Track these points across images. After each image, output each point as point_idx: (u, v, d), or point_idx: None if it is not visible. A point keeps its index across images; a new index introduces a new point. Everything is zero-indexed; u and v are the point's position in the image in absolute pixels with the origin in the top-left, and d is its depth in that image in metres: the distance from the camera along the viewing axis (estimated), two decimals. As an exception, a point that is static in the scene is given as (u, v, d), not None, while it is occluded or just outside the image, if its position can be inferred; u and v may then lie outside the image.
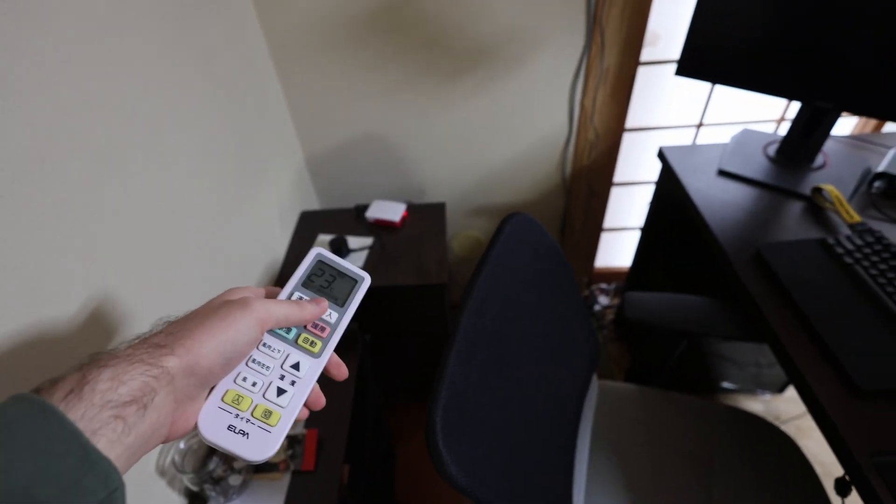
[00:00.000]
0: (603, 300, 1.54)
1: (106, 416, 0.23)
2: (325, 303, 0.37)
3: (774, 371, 1.25)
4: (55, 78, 0.50)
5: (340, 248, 1.06)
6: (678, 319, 0.77)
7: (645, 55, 1.10)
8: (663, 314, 0.77)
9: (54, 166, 0.49)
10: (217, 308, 0.31)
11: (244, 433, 0.31)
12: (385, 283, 1.01)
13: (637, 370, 1.25)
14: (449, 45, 1.04)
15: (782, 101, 1.21)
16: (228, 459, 0.67)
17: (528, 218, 0.64)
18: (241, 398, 0.31)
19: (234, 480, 0.68)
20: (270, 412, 0.32)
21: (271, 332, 0.35)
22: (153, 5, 0.66)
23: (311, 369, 0.35)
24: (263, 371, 0.33)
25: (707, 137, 1.28)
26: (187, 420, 0.29)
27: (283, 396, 0.33)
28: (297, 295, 0.37)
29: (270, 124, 1.05)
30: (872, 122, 1.24)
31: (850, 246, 0.71)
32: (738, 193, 0.88)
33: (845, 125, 1.29)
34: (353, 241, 1.10)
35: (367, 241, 1.11)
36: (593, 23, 1.01)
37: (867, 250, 0.70)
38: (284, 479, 0.71)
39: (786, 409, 1.30)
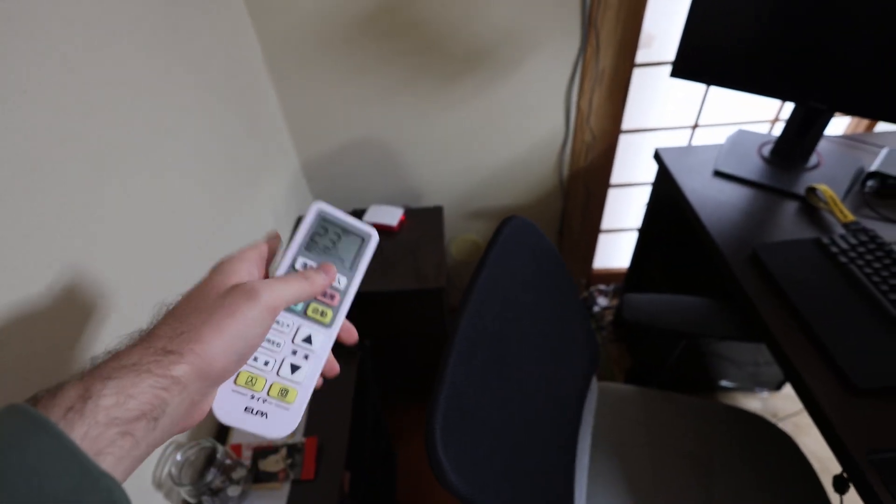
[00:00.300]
0: (602, 301, 1.55)
1: (112, 434, 0.22)
2: (334, 269, 0.34)
3: (772, 369, 1.25)
4: (52, 81, 0.50)
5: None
6: (676, 320, 0.77)
7: (640, 57, 1.10)
8: (661, 315, 0.77)
9: (53, 167, 0.50)
10: (223, 299, 0.28)
11: (262, 413, 0.30)
12: (383, 287, 1.01)
13: (637, 371, 1.25)
14: (444, 48, 1.04)
15: (776, 102, 1.22)
16: (226, 470, 0.67)
17: (525, 221, 0.64)
18: (255, 379, 0.30)
19: (233, 491, 0.67)
20: (287, 390, 0.31)
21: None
22: (146, 11, 0.66)
23: (324, 341, 0.33)
24: (275, 349, 0.32)
25: (702, 138, 1.29)
26: (202, 409, 0.28)
27: (297, 373, 0.32)
28: (301, 261, 0.34)
29: (265, 129, 1.05)
30: (865, 122, 1.25)
31: (844, 245, 0.71)
32: (733, 194, 0.88)
33: (838, 125, 1.30)
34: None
35: (365, 245, 1.11)
36: (588, 25, 1.01)
37: (861, 249, 0.70)
38: (284, 489, 0.70)
39: (783, 406, 1.31)
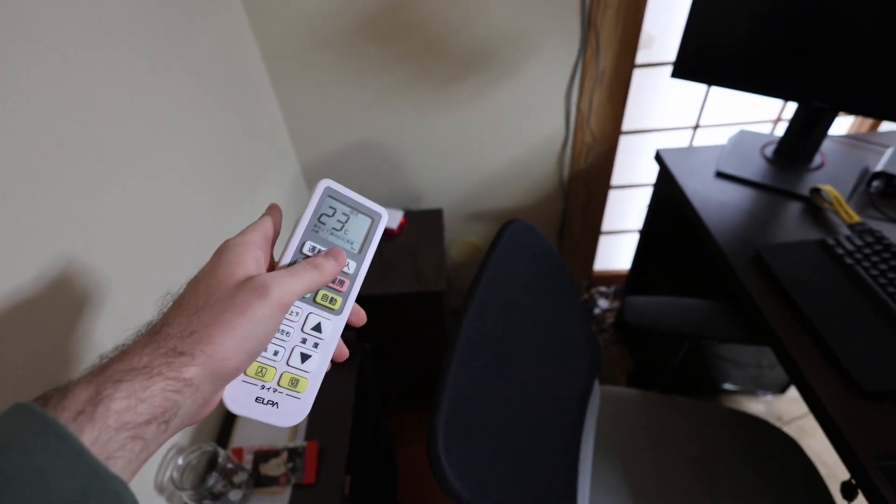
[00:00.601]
0: (603, 303, 1.54)
1: (122, 439, 0.22)
2: (344, 254, 0.33)
3: (775, 372, 1.24)
4: (52, 83, 0.50)
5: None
6: (679, 323, 0.76)
7: (640, 57, 1.10)
8: (664, 318, 0.77)
9: (53, 168, 0.50)
10: (233, 297, 0.27)
11: (273, 403, 0.30)
12: (384, 290, 1.00)
13: (639, 373, 1.24)
14: (443, 50, 1.04)
15: (778, 102, 1.21)
16: (228, 474, 0.66)
17: (526, 224, 0.64)
18: (264, 369, 0.30)
19: (235, 496, 0.67)
20: (297, 379, 0.31)
21: None
22: (144, 13, 0.66)
23: (334, 328, 0.33)
24: (284, 339, 0.31)
25: (704, 139, 1.28)
26: (212, 404, 0.28)
27: (307, 362, 0.32)
28: (308, 245, 0.33)
29: (265, 131, 1.05)
30: (869, 122, 1.24)
31: (849, 246, 0.70)
32: (735, 195, 0.88)
33: (841, 125, 1.29)
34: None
35: (365, 248, 1.10)
36: (588, 25, 1.01)
37: (867, 250, 0.69)
38: (285, 493, 0.70)
39: (788, 409, 1.29)
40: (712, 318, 0.78)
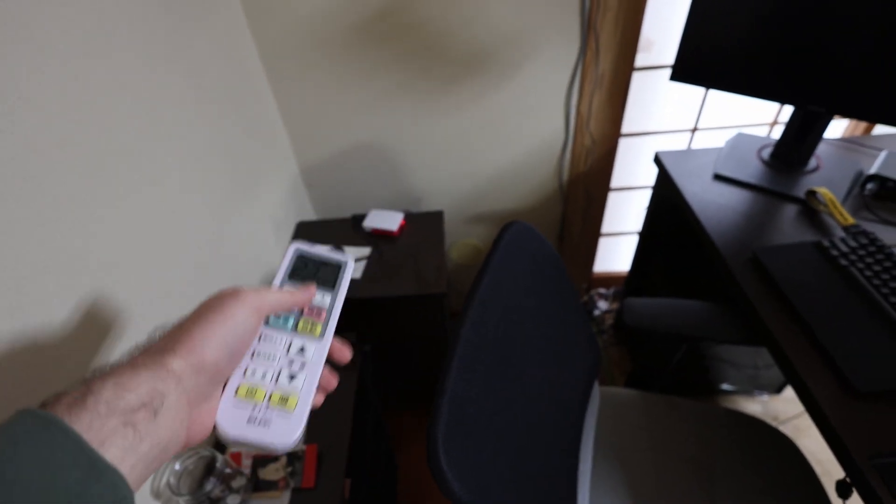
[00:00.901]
0: (602, 305, 1.54)
1: (114, 425, 0.23)
2: (314, 286, 0.38)
3: (772, 372, 1.25)
4: (51, 86, 0.51)
5: (338, 258, 1.05)
6: (677, 324, 0.77)
7: (639, 60, 1.10)
8: (662, 319, 0.77)
9: (53, 169, 0.50)
10: (211, 304, 0.31)
11: (266, 423, 0.31)
12: (384, 292, 1.01)
13: (638, 374, 1.25)
14: (443, 52, 1.04)
15: (775, 105, 1.22)
16: (225, 479, 0.66)
17: (526, 226, 0.64)
18: (254, 390, 0.32)
19: (233, 501, 0.67)
20: (287, 397, 0.32)
21: (269, 324, 0.35)
22: (143, 15, 0.67)
23: (317, 351, 0.35)
24: (270, 361, 0.33)
25: (702, 142, 1.29)
26: (203, 422, 0.29)
27: (295, 381, 0.33)
28: (285, 287, 0.38)
29: (263, 134, 1.05)
30: (863, 125, 1.25)
31: (844, 248, 0.71)
32: (733, 197, 0.89)
33: (836, 128, 1.30)
34: (351, 252, 1.10)
35: (365, 250, 1.11)
36: (588, 28, 1.01)
37: (861, 252, 0.70)
38: (284, 498, 0.70)
39: (784, 409, 1.30)
40: (710, 319, 0.79)
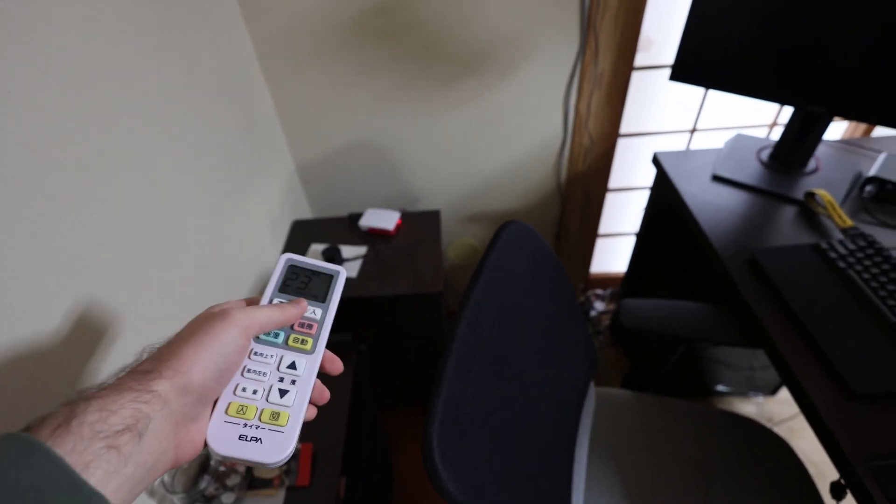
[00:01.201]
0: (599, 306, 1.54)
1: (98, 448, 0.23)
2: (304, 301, 0.37)
3: (767, 374, 1.25)
4: (44, 84, 0.50)
5: (333, 258, 1.05)
6: (674, 326, 0.77)
7: (639, 60, 1.10)
8: (659, 321, 0.77)
9: (50, 169, 0.49)
10: (199, 324, 0.30)
11: (257, 439, 0.30)
12: (380, 291, 1.00)
13: (633, 375, 1.25)
14: (441, 51, 1.04)
15: (775, 106, 1.22)
16: (220, 477, 0.66)
17: (523, 226, 0.64)
18: (245, 408, 0.31)
19: (227, 499, 0.67)
20: (278, 413, 0.32)
21: (260, 339, 0.34)
22: (137, 13, 0.66)
23: (308, 366, 0.35)
24: (261, 378, 0.33)
25: (701, 143, 1.29)
26: (193, 441, 0.29)
27: (286, 397, 0.33)
28: (276, 300, 0.37)
29: (259, 132, 1.05)
30: (862, 127, 1.25)
31: (842, 250, 0.71)
32: (732, 198, 0.88)
33: (836, 130, 1.30)
34: (347, 251, 1.10)
35: (362, 249, 1.10)
36: (587, 27, 1.01)
37: (860, 254, 0.70)
38: (279, 496, 0.70)
39: (778, 410, 1.31)
40: (707, 320, 0.79)
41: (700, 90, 1.18)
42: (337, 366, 0.37)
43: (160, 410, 0.26)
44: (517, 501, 0.51)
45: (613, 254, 1.57)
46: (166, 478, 0.64)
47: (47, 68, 0.50)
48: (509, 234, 0.61)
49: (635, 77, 1.14)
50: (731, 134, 1.03)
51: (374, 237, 1.14)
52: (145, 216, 0.64)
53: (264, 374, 0.33)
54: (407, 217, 1.18)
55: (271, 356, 0.34)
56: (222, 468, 0.67)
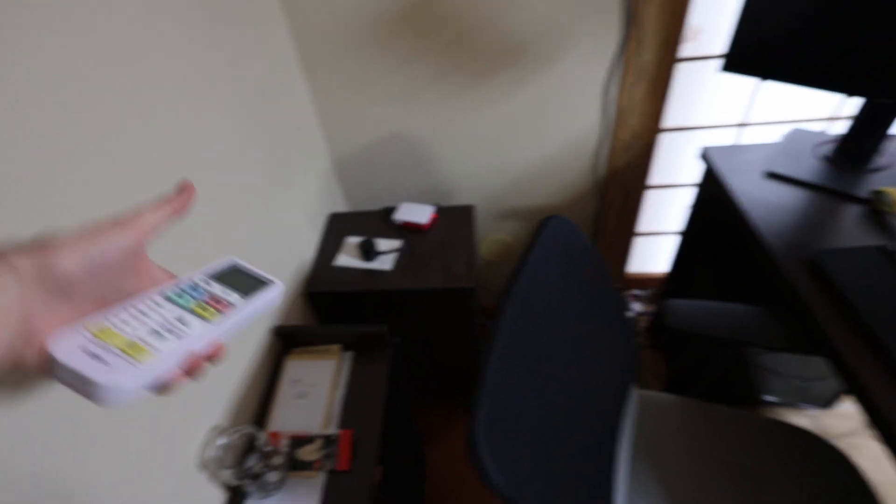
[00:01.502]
0: (636, 307, 1.50)
1: None
2: (192, 185, 0.35)
3: (823, 385, 1.18)
4: (104, 77, 0.52)
5: (369, 251, 1.06)
6: (726, 329, 0.73)
7: (684, 51, 1.06)
8: (708, 323, 0.73)
9: (113, 159, 0.52)
10: (94, 224, 0.29)
11: (103, 361, 0.27)
12: (414, 286, 1.01)
13: (676, 380, 1.20)
14: (478, 44, 1.03)
15: (834, 99, 1.14)
16: (266, 457, 0.68)
17: (566, 220, 0.62)
18: (110, 333, 0.29)
19: (272, 477, 0.68)
20: (141, 349, 0.29)
21: (166, 296, 0.33)
22: (185, 9, 0.68)
23: (199, 332, 0.32)
24: (143, 318, 0.31)
25: (750, 138, 1.23)
26: (40, 340, 0.26)
27: (160, 341, 0.30)
28: (200, 277, 0.37)
29: (298, 126, 1.07)
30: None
31: (915, 253, 0.66)
32: (787, 196, 0.83)
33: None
34: (382, 244, 1.10)
35: (396, 243, 1.11)
36: (630, 17, 0.98)
37: (936, 257, 0.65)
38: (320, 478, 0.71)
39: (835, 425, 1.23)
40: (761, 324, 0.74)
41: (750, 82, 1.12)
42: (220, 353, 0.34)
43: (9, 279, 0.24)
44: (559, 498, 0.50)
45: (651, 253, 1.52)
46: (217, 453, 0.66)
47: (106, 60, 0.53)
48: (551, 229, 0.60)
49: (680, 69, 1.09)
50: (783, 129, 0.98)
51: (408, 231, 1.14)
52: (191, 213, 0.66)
53: (150, 317, 0.31)
54: (441, 211, 1.18)
55: (168, 310, 0.32)
56: (268, 448, 0.68)
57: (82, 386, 0.26)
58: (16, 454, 0.41)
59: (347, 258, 1.09)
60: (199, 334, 0.32)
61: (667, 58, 1.04)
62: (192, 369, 0.31)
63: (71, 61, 0.48)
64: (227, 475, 0.67)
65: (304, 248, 1.07)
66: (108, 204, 0.52)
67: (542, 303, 0.55)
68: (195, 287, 0.35)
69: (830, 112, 1.18)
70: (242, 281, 0.38)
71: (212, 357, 0.32)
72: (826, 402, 1.24)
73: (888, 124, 0.80)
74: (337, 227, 1.18)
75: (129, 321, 0.30)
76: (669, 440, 0.78)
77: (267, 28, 0.93)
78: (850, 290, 0.64)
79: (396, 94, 1.11)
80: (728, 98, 1.16)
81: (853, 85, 0.78)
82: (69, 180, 0.47)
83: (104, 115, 0.52)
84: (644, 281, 1.55)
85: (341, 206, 1.33)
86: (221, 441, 0.68)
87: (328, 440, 0.75)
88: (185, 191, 0.34)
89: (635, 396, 0.81)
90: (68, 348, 0.27)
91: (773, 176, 0.88)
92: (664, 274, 1.47)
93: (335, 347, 0.89)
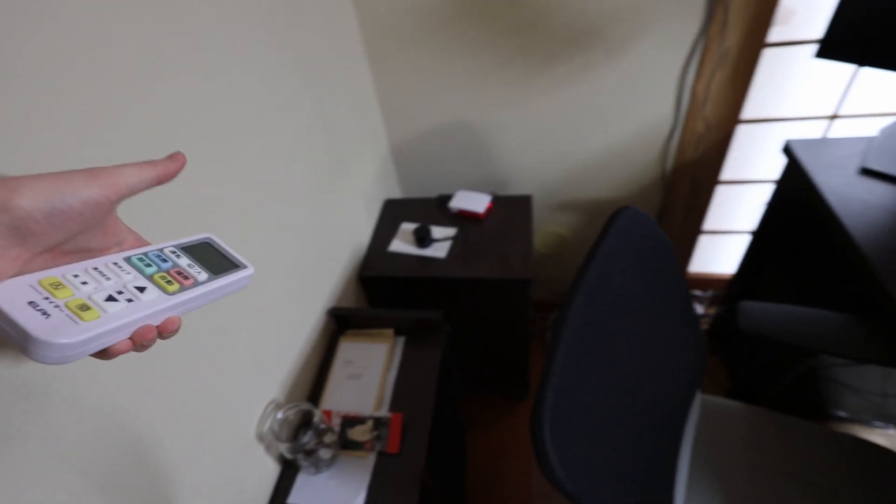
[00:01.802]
0: (697, 309, 1.42)
1: None
2: (183, 155, 0.33)
3: (909, 404, 1.07)
4: (187, 71, 0.55)
5: (424, 237, 1.06)
6: (806, 335, 0.68)
7: (773, 35, 0.97)
8: (789, 329, 0.68)
9: (195, 140, 0.55)
10: (69, 171, 0.28)
11: (46, 313, 0.26)
12: (468, 274, 1.00)
13: (741, 386, 1.14)
14: (545, 28, 0.99)
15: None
16: (320, 434, 0.70)
17: (638, 212, 0.60)
18: (61, 287, 0.27)
19: (325, 454, 0.71)
20: (89, 308, 0.27)
21: (130, 260, 0.32)
22: (261, 6, 0.70)
23: (156, 300, 0.31)
24: (100, 279, 0.29)
25: (839, 131, 1.12)
26: None
27: (110, 304, 0.28)
28: (171, 247, 0.35)
29: (360, 111, 1.08)
30: None
31: None
32: (886, 195, 0.76)
33: None
34: (437, 231, 1.11)
35: (451, 231, 1.11)
36: None
37: None
38: (370, 459, 0.73)
39: (918, 448, 1.11)
40: (846, 332, 0.68)
41: (847, 69, 1.02)
42: (173, 325, 0.31)
43: None
44: (619, 498, 0.48)
45: (716, 253, 1.43)
46: (276, 427, 0.70)
47: (195, 49, 0.56)
48: (624, 220, 0.57)
49: (766, 54, 1.01)
50: (879, 123, 0.88)
51: (463, 219, 1.14)
52: (259, 185, 0.69)
53: (108, 279, 0.30)
54: (497, 201, 1.16)
55: (128, 274, 0.31)
56: (322, 426, 0.71)
57: (18, 336, 0.25)
58: (105, 404, 0.45)
59: (402, 244, 1.10)
60: (152, 304, 0.30)
61: (753, 43, 0.96)
62: (139, 339, 0.29)
63: (159, 48, 0.51)
64: (283, 448, 0.70)
65: (360, 232, 1.09)
66: (185, 186, 0.55)
67: (611, 296, 0.53)
68: (162, 256, 0.34)
69: (941, 103, 1.05)
70: (214, 259, 0.37)
71: (163, 331, 0.31)
72: (910, 424, 1.13)
73: None
74: (392, 213, 1.20)
75: (84, 279, 0.29)
76: (733, 450, 0.74)
77: (334, 14, 0.95)
78: (964, 302, 0.57)
79: (458, 79, 1.10)
80: (818, 88, 1.06)
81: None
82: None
83: (199, 96, 0.55)
84: (706, 282, 1.46)
85: (396, 193, 1.35)
86: (279, 415, 0.71)
87: (379, 422, 0.76)
88: (175, 160, 0.33)
89: (699, 400, 0.77)
90: (12, 295, 0.25)
91: (869, 173, 0.80)
92: (729, 275, 1.38)
93: (388, 331, 0.91)
